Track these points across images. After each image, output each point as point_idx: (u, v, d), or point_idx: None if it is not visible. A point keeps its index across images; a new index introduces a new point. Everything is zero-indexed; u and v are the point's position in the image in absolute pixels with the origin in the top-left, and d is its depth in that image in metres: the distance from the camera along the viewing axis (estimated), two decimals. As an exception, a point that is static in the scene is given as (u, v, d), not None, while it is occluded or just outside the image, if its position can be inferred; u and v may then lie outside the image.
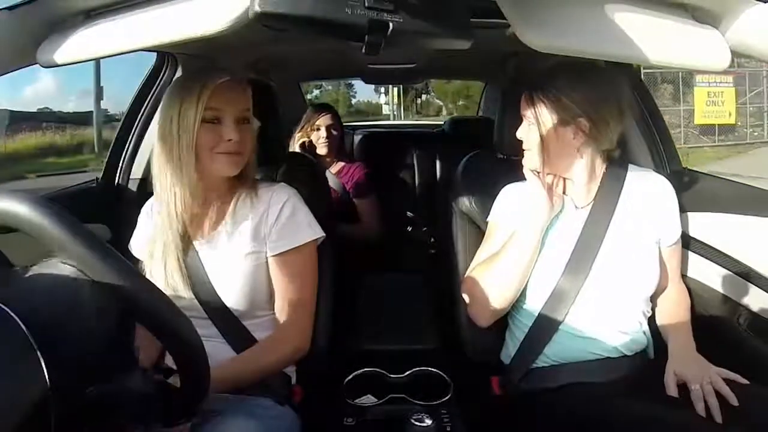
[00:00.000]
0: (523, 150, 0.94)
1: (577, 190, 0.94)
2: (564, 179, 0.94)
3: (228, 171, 0.85)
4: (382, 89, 12.94)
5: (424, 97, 16.98)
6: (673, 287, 0.97)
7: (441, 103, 16.98)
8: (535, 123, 0.89)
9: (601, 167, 0.94)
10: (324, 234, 0.90)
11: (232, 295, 0.84)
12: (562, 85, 0.87)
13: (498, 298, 0.90)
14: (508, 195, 0.99)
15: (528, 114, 0.91)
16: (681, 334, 0.90)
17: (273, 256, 0.86)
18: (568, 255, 0.89)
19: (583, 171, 0.92)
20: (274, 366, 0.84)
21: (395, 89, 12.87)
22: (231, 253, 0.85)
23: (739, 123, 9.72)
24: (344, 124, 2.06)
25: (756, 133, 9.94)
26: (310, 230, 0.88)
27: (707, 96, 9.05)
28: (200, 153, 0.82)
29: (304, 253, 0.88)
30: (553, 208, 0.89)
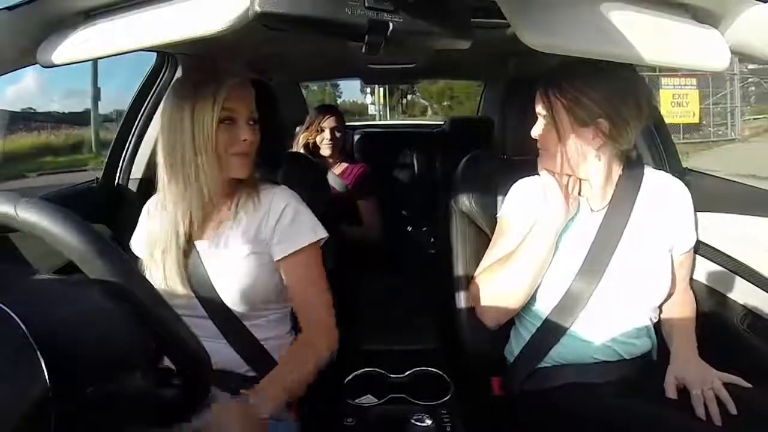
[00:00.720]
0: (539, 149, 0.91)
1: (593, 192, 0.91)
2: (580, 180, 0.92)
3: (241, 172, 0.85)
4: (368, 89, 12.94)
5: (409, 97, 17.13)
6: (680, 292, 0.96)
7: (426, 104, 17.15)
8: (552, 123, 0.86)
9: (617, 169, 0.91)
10: (327, 234, 0.90)
11: (232, 295, 0.84)
12: (580, 84, 0.83)
13: (508, 299, 0.89)
14: (521, 191, 0.97)
15: (545, 113, 0.88)
16: (684, 338, 0.89)
17: (281, 259, 0.86)
18: (582, 259, 0.87)
19: (600, 173, 0.89)
20: (315, 368, 0.82)
21: (381, 89, 12.87)
22: (232, 254, 0.85)
23: (704, 122, 10.56)
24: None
25: (720, 132, 10.79)
26: (313, 232, 0.88)
27: (672, 98, 9.85)
28: (216, 154, 0.82)
29: (310, 253, 0.88)
30: (568, 210, 0.87)
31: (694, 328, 0.92)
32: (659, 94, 9.71)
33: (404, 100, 17.21)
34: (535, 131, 0.90)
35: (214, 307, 0.84)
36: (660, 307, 0.93)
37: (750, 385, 0.77)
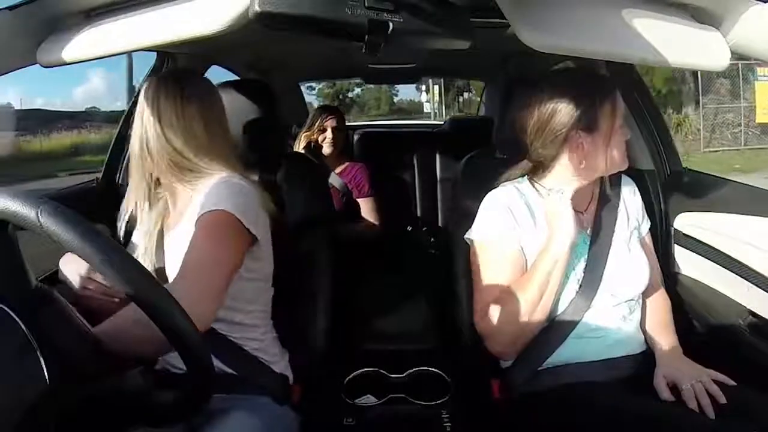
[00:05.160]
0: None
1: (579, 196, 0.90)
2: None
3: None
4: (423, 87, 12.73)
5: (465, 95, 16.84)
6: (654, 291, 0.95)
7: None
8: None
9: None
10: (234, 209, 0.78)
11: None
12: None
13: (527, 333, 0.85)
14: (500, 207, 0.90)
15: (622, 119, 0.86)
16: (666, 338, 0.89)
17: (194, 225, 0.78)
18: (582, 268, 0.87)
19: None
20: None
21: (436, 87, 12.66)
22: (183, 251, 0.78)
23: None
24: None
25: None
26: (222, 201, 0.78)
27: (772, 90, 7.68)
28: None
29: (213, 219, 0.77)
30: (577, 228, 0.83)
31: (691, 325, 0.92)
32: (754, 86, 8.04)
33: (460, 98, 16.87)
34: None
35: None
36: (641, 303, 0.93)
37: (734, 383, 0.77)
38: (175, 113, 0.82)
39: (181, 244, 0.80)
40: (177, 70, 0.88)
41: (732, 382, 0.77)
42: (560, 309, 0.86)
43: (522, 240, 0.88)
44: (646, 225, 0.98)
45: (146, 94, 0.83)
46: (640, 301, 0.92)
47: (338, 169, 1.86)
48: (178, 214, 0.87)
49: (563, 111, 0.84)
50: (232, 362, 0.83)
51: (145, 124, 0.82)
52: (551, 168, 0.91)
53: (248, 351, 0.85)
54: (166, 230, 0.87)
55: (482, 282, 0.89)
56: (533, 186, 0.93)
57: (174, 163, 0.83)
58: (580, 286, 0.86)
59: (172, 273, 0.82)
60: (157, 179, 0.86)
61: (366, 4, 0.53)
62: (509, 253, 0.88)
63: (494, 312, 0.85)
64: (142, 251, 0.86)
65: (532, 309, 0.82)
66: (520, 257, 0.88)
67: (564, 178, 0.89)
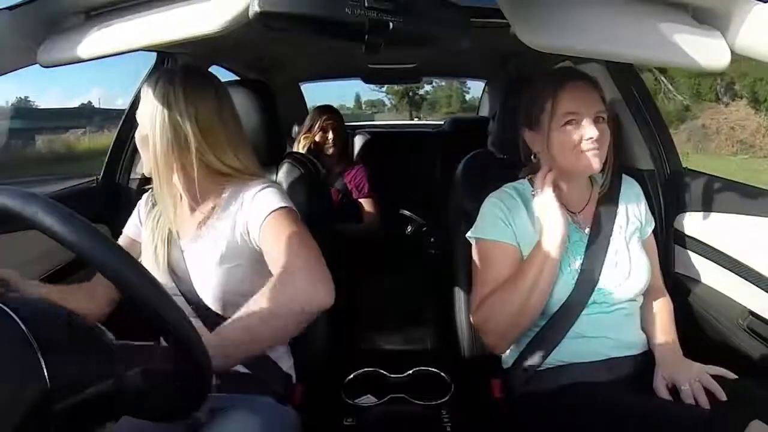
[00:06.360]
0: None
1: (571, 195, 0.92)
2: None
3: None
4: None
5: None
6: (655, 291, 0.96)
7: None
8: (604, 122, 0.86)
9: None
10: (291, 205, 0.83)
11: (210, 295, 0.82)
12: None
13: (520, 325, 0.86)
14: (498, 208, 0.92)
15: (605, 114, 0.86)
16: (666, 339, 0.89)
17: (258, 233, 0.80)
18: (579, 266, 0.87)
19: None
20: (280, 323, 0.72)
21: None
22: (208, 255, 0.82)
23: None
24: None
25: None
26: (278, 201, 0.81)
27: None
28: None
29: (279, 217, 0.80)
30: (566, 223, 0.85)
31: (691, 325, 0.92)
32: None
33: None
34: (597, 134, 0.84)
35: (197, 305, 0.82)
36: (642, 304, 0.93)
37: (735, 376, 0.78)
38: (213, 114, 0.81)
39: (209, 253, 0.82)
40: (199, 68, 0.86)
41: (732, 376, 0.78)
42: (556, 307, 0.87)
43: (520, 239, 0.89)
44: (650, 227, 0.98)
45: (171, 93, 0.78)
46: (641, 301, 0.92)
47: (338, 170, 1.86)
48: (201, 220, 0.85)
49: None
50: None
51: (168, 123, 0.78)
52: (538, 167, 0.92)
53: None
54: (182, 235, 0.86)
55: (480, 278, 0.91)
56: (532, 185, 0.93)
57: (205, 164, 0.81)
58: (576, 284, 0.86)
59: (198, 281, 0.83)
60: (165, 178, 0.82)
61: (366, 4, 0.53)
62: (508, 252, 0.89)
63: (487, 304, 0.87)
64: (151, 253, 0.85)
65: (523, 302, 0.83)
66: (518, 256, 0.89)
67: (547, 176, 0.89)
